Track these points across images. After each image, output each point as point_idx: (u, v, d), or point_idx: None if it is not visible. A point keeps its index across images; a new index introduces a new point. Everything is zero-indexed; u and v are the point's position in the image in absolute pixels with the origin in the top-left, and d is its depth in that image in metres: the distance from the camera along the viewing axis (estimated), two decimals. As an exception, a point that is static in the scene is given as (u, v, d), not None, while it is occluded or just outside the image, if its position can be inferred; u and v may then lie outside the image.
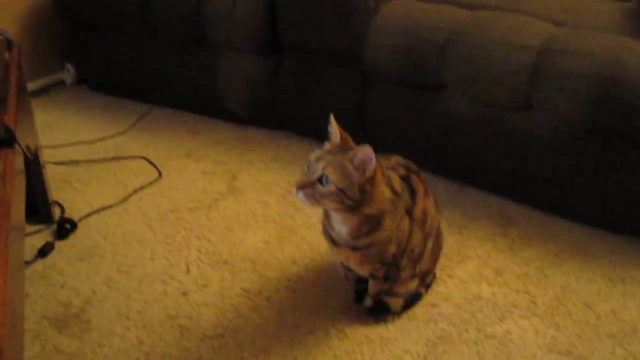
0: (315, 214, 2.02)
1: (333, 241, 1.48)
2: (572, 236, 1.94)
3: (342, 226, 1.43)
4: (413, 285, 1.62)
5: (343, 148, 1.36)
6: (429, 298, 1.69)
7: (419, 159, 1.67)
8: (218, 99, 2.61)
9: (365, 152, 1.30)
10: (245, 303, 1.68)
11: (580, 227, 1.97)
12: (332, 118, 1.40)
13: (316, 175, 1.33)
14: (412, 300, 1.65)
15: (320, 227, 1.56)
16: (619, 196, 1.88)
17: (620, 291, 1.73)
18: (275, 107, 2.51)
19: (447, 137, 2.13)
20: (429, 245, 1.60)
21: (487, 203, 2.09)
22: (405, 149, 1.73)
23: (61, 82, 3.06)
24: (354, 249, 1.46)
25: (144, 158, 2.38)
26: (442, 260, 1.77)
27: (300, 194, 1.35)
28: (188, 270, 1.80)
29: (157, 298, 1.70)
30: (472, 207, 2.07)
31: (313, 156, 1.37)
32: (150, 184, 2.22)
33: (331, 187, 1.32)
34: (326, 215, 1.48)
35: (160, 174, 2.28)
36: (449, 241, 1.88)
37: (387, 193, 1.41)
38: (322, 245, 1.87)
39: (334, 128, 1.40)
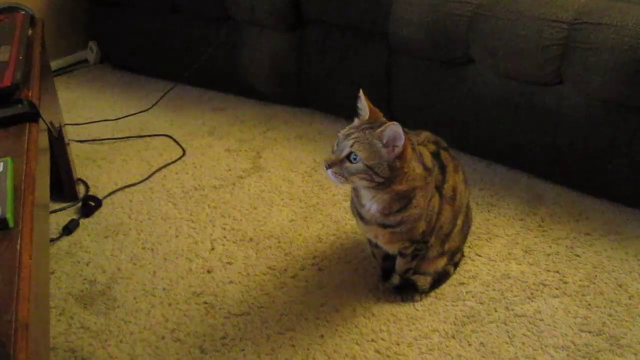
0: (340, 191, 2.00)
1: (362, 218, 1.45)
2: (604, 215, 1.89)
3: (372, 203, 1.41)
4: (441, 263, 1.60)
5: (372, 125, 1.33)
6: (457, 277, 1.66)
7: (446, 135, 1.64)
8: (242, 76, 2.59)
9: (394, 128, 1.27)
10: (270, 281, 1.67)
11: (612, 206, 1.92)
12: (361, 94, 1.36)
13: (344, 153, 1.30)
14: (440, 278, 1.62)
15: (346, 204, 1.53)
16: (654, 174, 1.83)
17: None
18: (299, 83, 2.48)
19: (475, 113, 2.08)
20: (458, 222, 1.57)
21: (516, 181, 2.05)
22: (432, 125, 1.69)
23: (84, 61, 3.06)
24: (384, 226, 1.43)
25: (168, 136, 2.37)
26: (470, 239, 1.74)
27: (329, 172, 1.32)
28: (213, 247, 1.79)
29: (182, 275, 1.69)
30: (500, 185, 2.03)
31: (342, 133, 1.34)
32: (175, 161, 2.21)
33: (360, 165, 1.29)
34: (356, 193, 1.45)
35: (184, 151, 2.27)
36: (478, 219, 1.85)
37: (418, 169, 1.38)
38: (348, 223, 1.85)
39: (363, 104, 1.36)
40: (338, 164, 1.31)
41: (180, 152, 2.26)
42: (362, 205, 1.43)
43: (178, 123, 2.48)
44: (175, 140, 2.34)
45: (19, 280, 0.86)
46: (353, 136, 1.31)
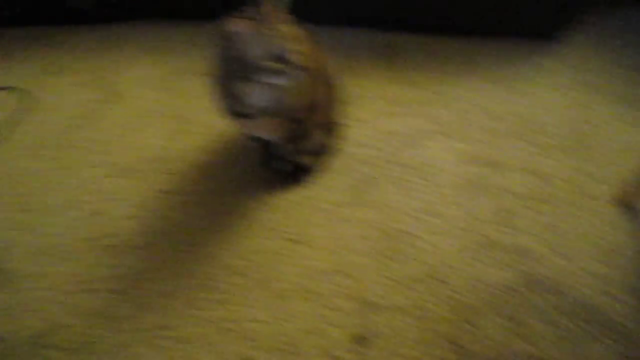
0: (207, 98, 1.94)
1: (245, 116, 1.41)
2: (462, 53, 1.97)
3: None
4: (320, 137, 1.61)
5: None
6: (341, 146, 1.70)
7: (296, 8, 1.60)
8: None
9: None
10: (164, 204, 1.63)
11: (467, 42, 1.99)
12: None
13: None
14: (323, 152, 1.65)
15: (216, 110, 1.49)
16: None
17: (517, 92, 1.81)
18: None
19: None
20: (324, 91, 1.57)
21: (372, 40, 2.06)
22: None
23: None
24: (267, 113, 1.41)
25: (9, 87, 2.16)
26: (342, 107, 1.77)
27: None
28: (97, 188, 1.71)
29: (72, 225, 1.61)
30: (358, 48, 2.04)
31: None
32: (25, 111, 2.04)
33: None
34: (231, 93, 1.40)
35: (32, 98, 2.09)
36: (344, 86, 1.86)
37: None
38: (224, 126, 1.81)
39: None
40: None
41: (29, 100, 2.08)
42: (241, 103, 1.39)
43: (16, 70, 2.24)
44: (18, 89, 2.14)
45: None
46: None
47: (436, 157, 1.63)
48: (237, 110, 1.43)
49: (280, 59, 1.30)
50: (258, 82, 1.33)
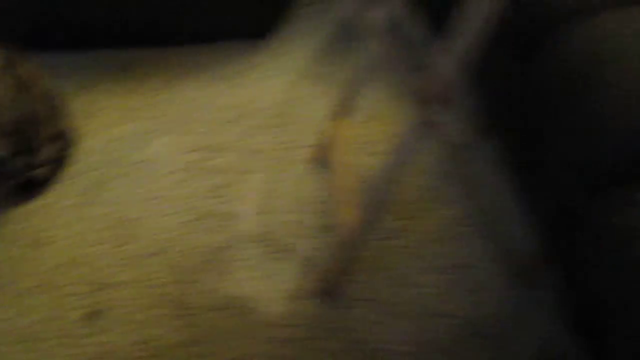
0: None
1: None
2: (190, 59, 2.16)
3: None
4: (51, 150, 1.76)
5: None
6: (74, 156, 1.86)
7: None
8: None
9: None
10: None
11: (195, 50, 2.21)
12: None
13: None
14: (58, 164, 1.80)
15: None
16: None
17: (237, 86, 2.08)
18: None
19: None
20: (44, 107, 1.72)
21: (104, 59, 2.20)
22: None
23: None
24: None
25: None
26: (75, 120, 1.92)
27: None
28: None
29: None
30: (91, 67, 2.16)
31: None
32: None
33: None
34: None
35: None
36: (78, 103, 2.00)
37: None
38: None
39: None
40: None
41: None
42: None
43: None
44: None
45: None
46: None
47: (161, 152, 1.85)
48: None
49: None
50: None
